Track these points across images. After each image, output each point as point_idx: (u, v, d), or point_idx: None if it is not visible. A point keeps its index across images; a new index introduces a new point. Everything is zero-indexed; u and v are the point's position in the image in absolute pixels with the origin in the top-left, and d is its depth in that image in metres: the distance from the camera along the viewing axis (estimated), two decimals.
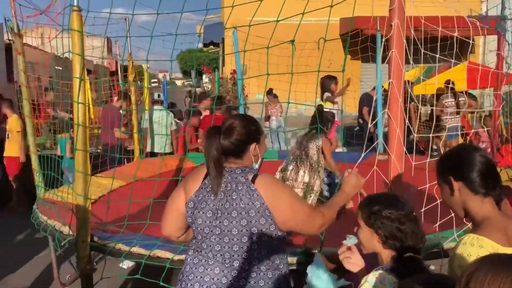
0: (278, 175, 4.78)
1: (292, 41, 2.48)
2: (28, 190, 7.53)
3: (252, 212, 1.94)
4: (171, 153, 7.69)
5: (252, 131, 2.10)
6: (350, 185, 2.22)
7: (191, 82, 41.34)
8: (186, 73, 41.95)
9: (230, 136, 2.05)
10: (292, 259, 2.59)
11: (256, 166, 2.13)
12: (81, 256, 2.93)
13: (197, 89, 27.16)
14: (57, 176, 4.31)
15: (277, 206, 1.96)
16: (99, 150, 7.36)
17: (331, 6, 2.21)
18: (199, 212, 2.03)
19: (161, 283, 2.66)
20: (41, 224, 3.62)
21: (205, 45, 19.04)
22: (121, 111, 7.41)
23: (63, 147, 7.05)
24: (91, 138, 7.44)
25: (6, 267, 5.12)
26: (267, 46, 2.50)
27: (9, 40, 19.52)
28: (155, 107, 7.75)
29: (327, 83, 6.30)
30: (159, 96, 8.30)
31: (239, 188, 1.98)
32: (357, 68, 14.84)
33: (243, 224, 1.94)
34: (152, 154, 7.51)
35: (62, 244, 3.16)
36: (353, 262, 1.93)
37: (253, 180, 1.99)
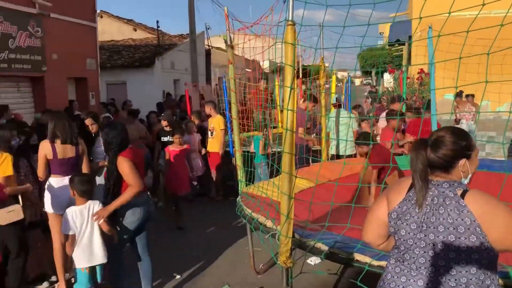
0: None
1: None
2: (224, 182, 8.46)
3: (461, 229, 1.89)
4: (352, 155, 7.70)
5: (462, 146, 2.01)
6: None
7: (370, 81, 40.53)
8: (366, 72, 41.35)
9: (438, 150, 2.01)
10: (504, 281, 2.41)
11: (466, 181, 2.04)
12: (283, 250, 3.14)
13: (377, 87, 26.58)
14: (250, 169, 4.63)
15: (490, 224, 1.86)
16: None
17: None
18: (402, 223, 2.05)
19: (358, 283, 2.73)
20: (246, 216, 3.96)
21: (390, 44, 18.48)
22: (306, 113, 7.70)
23: (257, 145, 7.60)
24: (278, 138, 7.92)
25: (206, 252, 5.78)
26: (488, 52, 2.30)
27: (208, 46, 22.04)
28: (341, 110, 7.86)
29: None
30: (336, 100, 8.36)
31: (447, 203, 1.94)
32: None
33: (451, 240, 1.90)
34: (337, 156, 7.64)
35: (266, 236, 3.46)
36: None
37: (462, 196, 1.92)
